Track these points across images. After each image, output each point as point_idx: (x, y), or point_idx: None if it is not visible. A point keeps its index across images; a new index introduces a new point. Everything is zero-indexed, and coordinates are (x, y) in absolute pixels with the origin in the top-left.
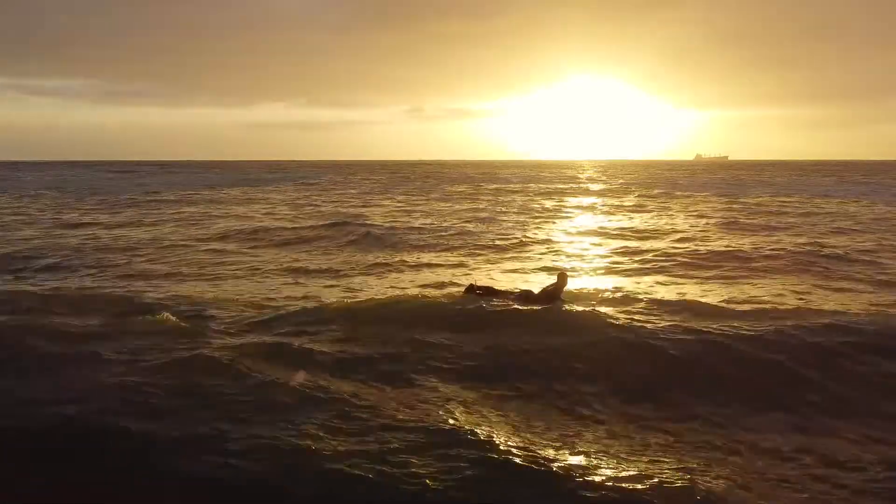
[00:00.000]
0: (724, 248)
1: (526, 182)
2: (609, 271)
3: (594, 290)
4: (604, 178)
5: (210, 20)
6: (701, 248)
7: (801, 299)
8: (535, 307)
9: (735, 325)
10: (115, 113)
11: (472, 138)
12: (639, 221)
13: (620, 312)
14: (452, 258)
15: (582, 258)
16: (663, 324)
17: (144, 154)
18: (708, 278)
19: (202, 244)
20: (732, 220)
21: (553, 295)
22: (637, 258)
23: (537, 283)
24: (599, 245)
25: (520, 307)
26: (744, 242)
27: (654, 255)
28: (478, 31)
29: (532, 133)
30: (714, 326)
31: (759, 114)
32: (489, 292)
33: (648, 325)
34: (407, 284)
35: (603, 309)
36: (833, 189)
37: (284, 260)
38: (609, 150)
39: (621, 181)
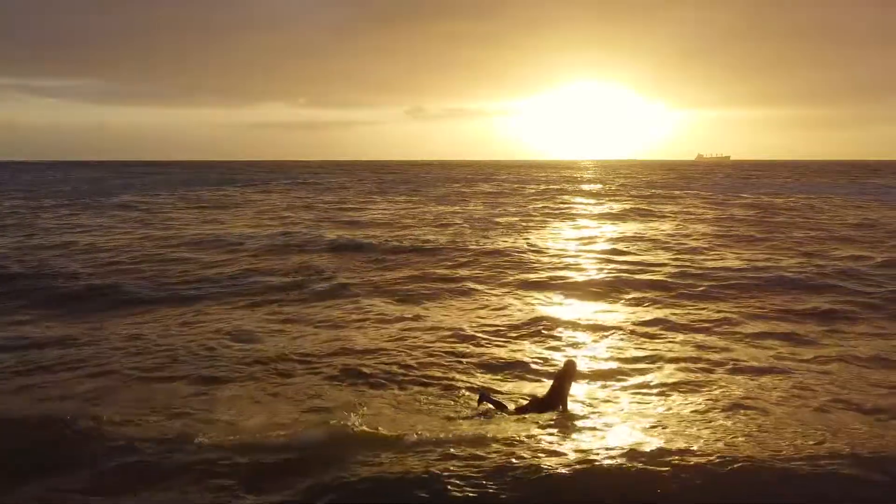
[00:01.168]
0: (720, 269)
1: (525, 183)
2: (597, 300)
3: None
4: (604, 179)
5: (211, 20)
6: (695, 270)
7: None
8: (541, 418)
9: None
10: (115, 113)
11: (473, 139)
12: (635, 228)
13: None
14: (447, 291)
15: (568, 283)
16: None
17: (144, 154)
18: (701, 318)
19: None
20: (730, 228)
21: (560, 393)
22: (628, 286)
23: (524, 316)
24: (588, 256)
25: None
26: (743, 261)
27: (647, 279)
28: (478, 32)
29: (534, 134)
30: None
31: (761, 114)
32: (498, 406)
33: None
34: (388, 339)
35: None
36: (836, 190)
37: (246, 280)
38: (610, 150)
39: (621, 182)
